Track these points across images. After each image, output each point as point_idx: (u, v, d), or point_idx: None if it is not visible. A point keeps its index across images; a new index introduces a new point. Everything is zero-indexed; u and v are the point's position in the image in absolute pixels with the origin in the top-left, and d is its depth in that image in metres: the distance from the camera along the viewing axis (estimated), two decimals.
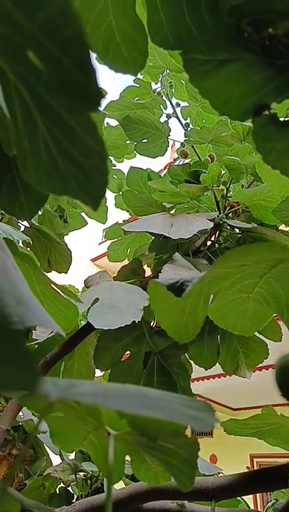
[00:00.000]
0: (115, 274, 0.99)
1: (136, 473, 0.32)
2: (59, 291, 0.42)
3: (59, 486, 0.87)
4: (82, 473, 0.81)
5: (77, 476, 0.79)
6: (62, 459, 0.89)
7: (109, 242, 1.32)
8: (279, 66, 0.28)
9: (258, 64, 0.28)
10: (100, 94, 0.18)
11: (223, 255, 0.29)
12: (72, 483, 0.83)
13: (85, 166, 0.20)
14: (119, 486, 0.58)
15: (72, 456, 0.87)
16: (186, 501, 0.56)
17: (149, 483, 0.32)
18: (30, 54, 0.18)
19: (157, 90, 1.19)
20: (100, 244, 8.37)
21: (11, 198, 0.40)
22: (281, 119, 0.29)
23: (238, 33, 0.29)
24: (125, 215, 1.34)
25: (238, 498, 0.55)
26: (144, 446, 0.29)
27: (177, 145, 1.25)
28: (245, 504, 0.57)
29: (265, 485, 0.40)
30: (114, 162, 1.40)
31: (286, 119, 0.28)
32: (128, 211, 1.25)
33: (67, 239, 1.34)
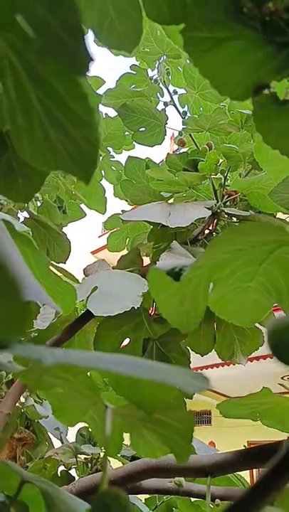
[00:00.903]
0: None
1: (134, 447, 0.33)
2: (58, 273, 0.43)
3: (60, 469, 0.89)
4: (82, 457, 0.82)
5: (78, 459, 0.81)
6: (62, 443, 0.91)
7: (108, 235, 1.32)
8: (279, 43, 0.28)
9: (257, 41, 0.28)
10: (88, 56, 0.18)
11: (217, 237, 0.29)
12: (73, 466, 0.85)
13: (76, 137, 0.21)
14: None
15: (72, 439, 0.88)
16: (184, 480, 0.58)
17: (146, 456, 0.33)
18: (19, 19, 0.18)
19: (154, 77, 1.18)
20: (99, 237, 8.37)
21: (7, 180, 0.41)
22: (281, 98, 0.29)
23: (238, 8, 0.29)
24: (124, 206, 1.35)
25: (232, 474, 0.56)
26: (141, 420, 0.30)
27: (176, 135, 1.25)
28: (240, 481, 0.58)
29: (259, 461, 0.42)
30: (112, 153, 1.40)
31: (286, 98, 0.29)
32: (127, 201, 1.25)
33: (66, 232, 1.35)
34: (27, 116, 0.22)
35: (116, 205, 1.44)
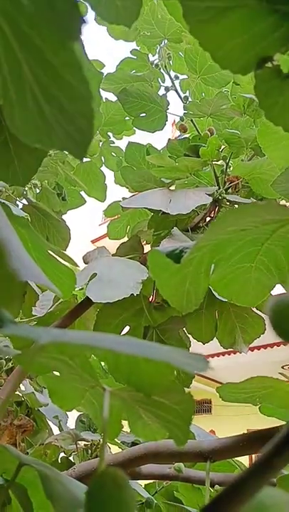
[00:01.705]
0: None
1: (132, 430, 0.33)
2: (56, 257, 0.42)
3: (61, 456, 0.89)
4: (82, 443, 0.83)
5: (78, 445, 0.81)
6: (61, 430, 0.91)
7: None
8: (283, 13, 0.27)
9: (261, 11, 0.27)
10: (80, 20, 0.17)
11: (219, 217, 0.29)
12: (73, 453, 0.85)
13: (70, 111, 0.20)
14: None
15: (73, 427, 0.89)
16: (183, 466, 0.58)
17: (145, 439, 0.33)
18: None
19: (155, 62, 1.16)
20: (99, 225, 8.36)
21: (4, 163, 0.40)
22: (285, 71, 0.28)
23: None
24: (125, 194, 1.33)
25: (232, 460, 0.56)
26: (139, 403, 0.29)
27: (177, 122, 1.23)
28: (239, 468, 0.58)
29: (259, 446, 0.41)
30: (112, 139, 1.38)
31: None
32: (127, 188, 1.24)
33: (66, 221, 1.34)
34: (19, 90, 0.21)
35: (116, 192, 1.43)
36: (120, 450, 0.64)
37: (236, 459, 0.57)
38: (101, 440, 0.77)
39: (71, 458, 0.89)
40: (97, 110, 0.59)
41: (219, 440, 0.45)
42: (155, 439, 0.33)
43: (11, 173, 0.40)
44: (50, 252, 0.42)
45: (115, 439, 0.70)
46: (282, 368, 5.68)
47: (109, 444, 0.79)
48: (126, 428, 0.94)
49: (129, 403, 0.30)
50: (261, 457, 0.16)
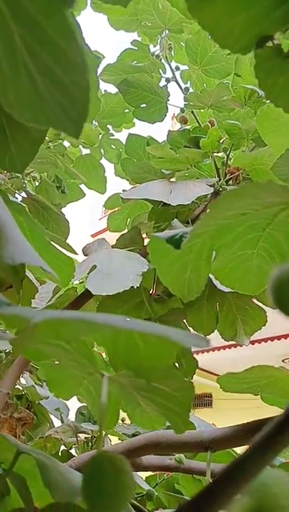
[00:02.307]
0: None
1: (131, 418, 0.32)
2: (54, 244, 0.41)
3: (61, 449, 0.89)
4: (83, 436, 0.83)
5: (79, 438, 0.81)
6: (62, 423, 0.91)
7: None
8: None
9: None
10: None
11: (218, 199, 0.28)
12: (73, 446, 0.85)
13: (65, 83, 0.19)
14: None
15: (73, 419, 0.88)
16: (184, 457, 0.57)
17: (144, 427, 0.32)
18: None
19: (156, 53, 1.14)
20: (99, 219, 8.35)
21: (0, 149, 0.39)
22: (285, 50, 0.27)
23: None
24: (125, 187, 1.32)
25: (233, 450, 0.56)
26: (138, 389, 0.29)
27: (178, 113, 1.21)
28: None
29: None
30: (112, 132, 1.37)
31: None
32: (128, 180, 1.23)
33: (66, 214, 1.33)
34: (12, 63, 0.21)
35: (116, 186, 1.41)
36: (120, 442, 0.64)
37: (237, 450, 0.56)
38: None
39: (72, 451, 0.89)
40: (94, 97, 0.58)
41: (220, 430, 0.44)
42: (154, 427, 0.32)
43: (8, 159, 0.39)
44: (48, 239, 0.41)
45: (115, 430, 0.70)
46: (283, 361, 5.69)
47: (110, 436, 0.78)
48: (127, 421, 0.94)
49: (128, 390, 0.29)
50: (262, 437, 0.15)
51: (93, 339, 0.26)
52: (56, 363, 0.32)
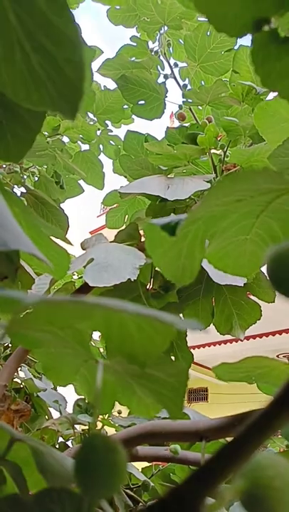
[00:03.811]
0: None
1: (127, 405, 0.33)
2: (51, 236, 0.41)
3: (59, 441, 0.90)
4: (80, 428, 0.83)
5: (76, 430, 0.82)
6: (61, 415, 0.91)
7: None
8: None
9: None
10: None
11: (214, 186, 0.28)
12: (71, 438, 0.86)
13: (59, 61, 0.19)
14: None
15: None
16: (179, 447, 0.58)
17: (140, 415, 0.33)
18: None
19: (154, 49, 1.14)
20: (98, 217, 8.36)
21: None
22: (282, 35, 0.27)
23: None
24: (123, 184, 1.33)
25: (226, 441, 0.56)
26: (133, 376, 0.29)
27: (176, 112, 1.22)
28: None
29: None
30: (111, 128, 1.37)
31: (288, 35, 0.27)
32: (126, 176, 1.23)
33: (65, 212, 1.33)
34: (6, 42, 0.21)
35: (114, 183, 1.42)
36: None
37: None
38: (98, 423, 0.77)
39: (69, 443, 0.89)
40: (88, 88, 0.58)
41: (214, 420, 0.45)
42: (149, 414, 0.33)
43: (3, 149, 0.40)
44: (44, 231, 0.41)
45: (111, 422, 0.71)
46: (277, 356, 5.72)
47: (106, 428, 0.79)
48: (124, 414, 0.94)
49: (123, 377, 0.30)
50: (257, 417, 0.16)
51: (87, 326, 0.26)
52: (52, 350, 0.33)
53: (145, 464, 0.78)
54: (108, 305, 0.17)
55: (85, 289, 0.82)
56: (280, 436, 0.60)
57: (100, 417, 0.76)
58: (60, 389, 1.21)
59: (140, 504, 0.65)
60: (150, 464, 0.77)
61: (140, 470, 0.75)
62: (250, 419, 0.18)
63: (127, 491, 0.65)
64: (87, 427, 0.78)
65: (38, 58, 0.20)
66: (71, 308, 0.18)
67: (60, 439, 0.88)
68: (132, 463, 0.68)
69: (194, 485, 0.17)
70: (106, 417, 0.78)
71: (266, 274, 0.16)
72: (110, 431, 0.76)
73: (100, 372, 0.27)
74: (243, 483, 0.17)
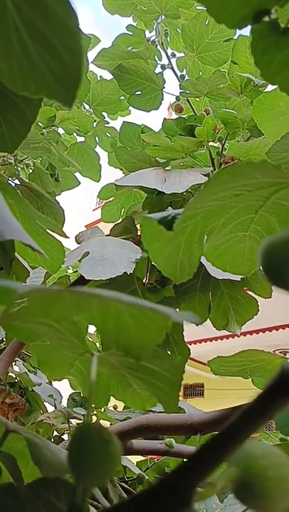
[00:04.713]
0: None
1: (122, 399, 0.33)
2: (45, 228, 0.41)
3: (53, 435, 0.90)
4: (75, 423, 0.83)
5: (71, 424, 0.82)
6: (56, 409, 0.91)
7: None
8: None
9: None
10: None
11: (211, 178, 0.28)
12: (66, 432, 0.86)
13: (57, 47, 0.19)
14: None
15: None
16: (174, 441, 0.58)
17: (135, 408, 0.33)
18: None
19: (151, 39, 1.13)
20: (93, 210, 8.33)
21: None
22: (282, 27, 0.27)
23: None
24: (119, 176, 1.32)
25: None
26: (129, 369, 0.29)
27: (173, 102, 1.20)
28: None
29: None
30: (107, 119, 1.35)
31: (288, 27, 0.26)
32: (122, 169, 1.22)
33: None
34: (3, 28, 0.20)
35: (110, 176, 1.41)
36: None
37: None
38: (93, 417, 0.77)
39: (64, 437, 0.89)
40: (84, 79, 0.57)
41: (209, 413, 0.45)
42: (145, 407, 0.33)
43: None
44: (40, 223, 0.41)
45: (107, 414, 0.71)
46: (274, 352, 5.78)
47: (101, 422, 0.79)
48: (119, 409, 0.94)
49: (119, 370, 0.29)
50: (252, 403, 0.16)
51: (83, 318, 0.26)
52: (47, 343, 0.32)
53: (140, 457, 0.78)
54: (105, 295, 0.16)
55: (80, 282, 0.81)
56: (274, 430, 0.60)
57: (95, 411, 0.76)
58: (55, 383, 1.21)
59: None
60: (145, 457, 0.77)
61: (135, 464, 0.75)
62: (241, 410, 0.17)
63: (122, 484, 0.65)
64: (81, 421, 0.78)
65: (36, 45, 0.19)
66: (67, 299, 0.17)
67: (55, 433, 0.88)
68: (127, 456, 0.68)
69: (185, 474, 0.17)
70: (101, 410, 0.78)
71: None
72: (105, 424, 0.76)
73: (95, 364, 0.26)
74: (235, 472, 0.16)
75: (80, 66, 0.19)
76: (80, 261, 0.74)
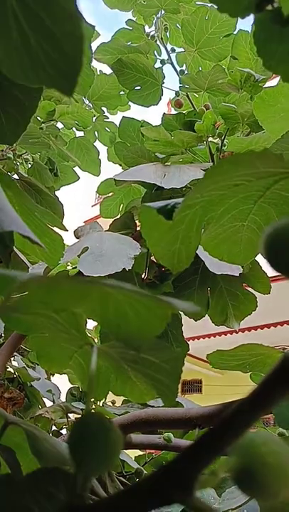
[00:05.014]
0: None
1: (122, 392, 0.33)
2: (45, 222, 0.41)
3: (52, 429, 0.90)
4: (74, 417, 0.83)
5: (69, 419, 0.82)
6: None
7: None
8: None
9: None
10: None
11: (212, 168, 0.27)
12: (64, 426, 0.86)
13: (56, 34, 0.18)
14: None
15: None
16: (172, 436, 0.58)
17: (134, 400, 0.33)
18: None
19: (151, 34, 1.12)
20: (92, 206, 8.31)
21: None
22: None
23: None
24: (118, 172, 1.31)
25: None
26: (128, 361, 0.29)
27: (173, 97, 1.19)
28: None
29: None
30: (107, 114, 1.35)
31: None
32: (121, 165, 1.21)
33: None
34: (2, 17, 0.20)
35: (109, 172, 1.40)
36: None
37: None
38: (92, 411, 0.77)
39: (62, 431, 0.89)
40: (87, 70, 0.57)
41: (207, 407, 0.45)
42: (144, 400, 0.33)
43: None
44: (38, 216, 0.41)
45: (106, 409, 0.71)
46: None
47: None
48: (118, 404, 0.94)
49: (118, 362, 0.29)
50: (254, 392, 0.16)
51: (82, 309, 0.26)
52: (46, 335, 0.32)
53: (138, 452, 0.78)
54: (105, 284, 0.16)
55: (80, 277, 0.81)
56: (273, 426, 0.60)
57: (94, 405, 0.76)
58: (53, 379, 1.21)
59: None
60: (143, 452, 0.77)
61: (133, 458, 0.75)
62: (241, 401, 0.17)
63: (121, 478, 0.65)
64: (80, 415, 0.78)
65: (35, 34, 0.19)
66: (67, 288, 0.17)
67: (54, 428, 0.88)
68: (126, 451, 0.68)
69: (188, 461, 0.17)
70: (100, 404, 0.78)
71: (262, 254, 0.15)
72: None
73: (95, 356, 0.26)
74: (236, 460, 0.16)
75: (80, 52, 0.19)
76: (79, 256, 0.74)
